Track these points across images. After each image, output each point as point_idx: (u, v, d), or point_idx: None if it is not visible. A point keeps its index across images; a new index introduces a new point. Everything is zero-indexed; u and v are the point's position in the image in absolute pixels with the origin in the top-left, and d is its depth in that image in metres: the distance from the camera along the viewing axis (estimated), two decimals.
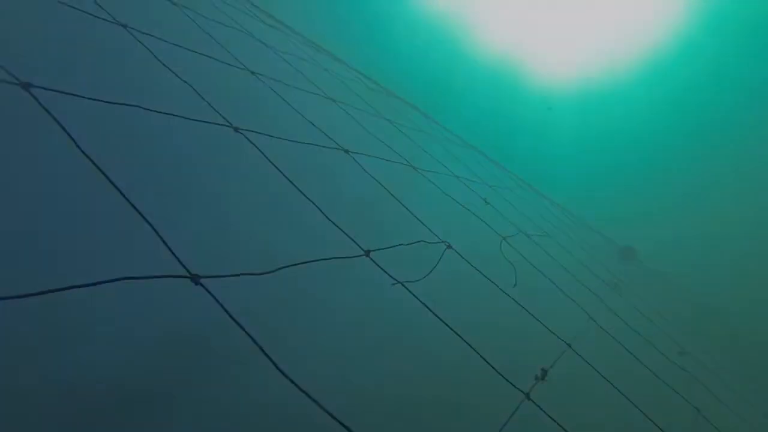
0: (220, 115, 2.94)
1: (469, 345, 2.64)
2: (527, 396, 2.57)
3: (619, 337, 4.63)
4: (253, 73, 4.06)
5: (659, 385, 4.36)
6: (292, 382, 1.69)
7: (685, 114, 13.43)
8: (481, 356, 2.62)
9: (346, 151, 3.87)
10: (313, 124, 3.92)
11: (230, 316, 1.73)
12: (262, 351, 1.70)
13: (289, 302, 2.27)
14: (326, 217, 2.74)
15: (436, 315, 2.69)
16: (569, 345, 3.61)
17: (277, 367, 1.70)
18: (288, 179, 2.80)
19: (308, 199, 2.79)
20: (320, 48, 7.68)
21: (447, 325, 2.67)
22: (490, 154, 9.43)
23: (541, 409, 2.53)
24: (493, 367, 2.60)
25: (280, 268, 2.16)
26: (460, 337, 2.65)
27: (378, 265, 2.67)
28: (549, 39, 13.90)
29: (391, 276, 2.68)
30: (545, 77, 14.39)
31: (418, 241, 3.30)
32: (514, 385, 2.60)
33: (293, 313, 2.29)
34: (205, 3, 5.18)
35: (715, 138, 13.09)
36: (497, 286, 3.58)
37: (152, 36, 3.23)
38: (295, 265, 2.26)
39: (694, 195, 12.22)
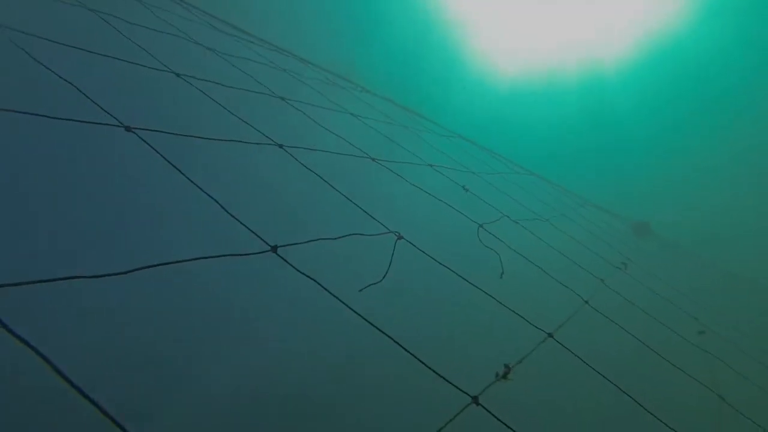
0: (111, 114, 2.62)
1: (404, 348, 2.21)
2: (475, 400, 2.11)
3: (623, 321, 4.09)
4: (178, 75, 3.75)
5: (674, 374, 3.80)
6: None
7: (694, 84, 12.66)
8: (418, 360, 2.18)
9: (280, 146, 3.50)
10: (246, 123, 3.58)
11: None
12: None
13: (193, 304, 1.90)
14: (228, 212, 2.37)
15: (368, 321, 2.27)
16: (550, 335, 3.12)
17: None
18: (185, 176, 2.45)
19: (209, 195, 2.42)
20: (288, 53, 7.39)
21: (381, 331, 2.24)
22: (493, 147, 8.97)
23: (491, 413, 2.06)
24: (433, 371, 2.16)
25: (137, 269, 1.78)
26: (383, 333, 2.22)
27: (287, 262, 2.27)
28: (549, 14, 13.22)
29: (302, 272, 2.27)
30: (547, 55, 13.74)
31: (350, 234, 2.87)
32: (458, 388, 2.15)
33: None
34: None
35: (730, 107, 12.28)
36: (456, 274, 3.12)
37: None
38: (168, 264, 1.88)
39: (710, 167, 11.41)
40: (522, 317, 3.14)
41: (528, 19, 13.53)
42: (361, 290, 2.74)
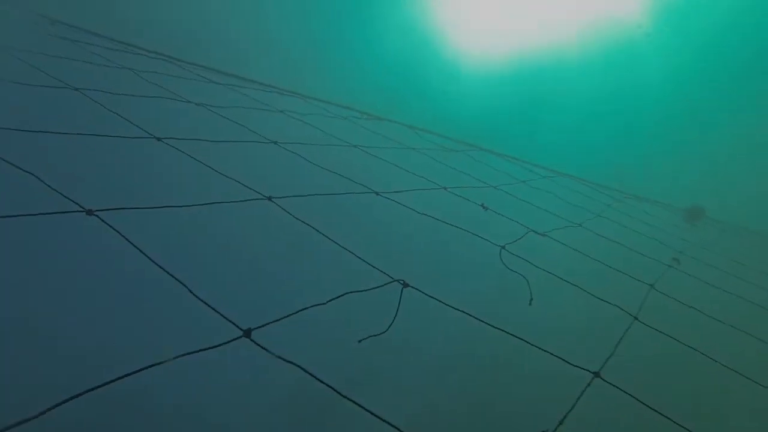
0: None
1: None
2: None
3: (685, 335, 3.54)
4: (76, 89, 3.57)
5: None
6: None
7: (736, 52, 11.53)
8: None
9: (269, 198, 3.23)
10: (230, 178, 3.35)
11: None
12: None
13: None
14: (195, 295, 2.09)
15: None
16: (596, 374, 2.65)
17: None
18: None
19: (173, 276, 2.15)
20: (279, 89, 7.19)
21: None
22: (513, 152, 8.47)
23: None
24: None
25: None
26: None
27: (262, 347, 1.95)
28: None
29: (281, 358, 1.94)
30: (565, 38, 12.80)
31: (341, 296, 2.52)
32: None
33: None
34: None
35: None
36: (476, 319, 2.71)
37: None
38: None
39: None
40: (559, 358, 2.70)
41: None
42: (360, 341, 2.42)
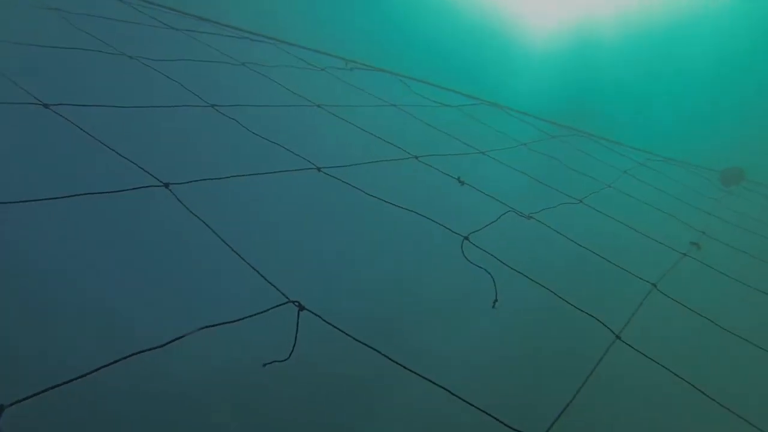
0: None
1: None
2: None
3: (686, 370, 2.85)
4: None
5: None
6: None
7: None
8: None
9: None
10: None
11: None
12: None
13: None
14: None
15: None
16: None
17: None
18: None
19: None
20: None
21: None
22: (513, 104, 7.45)
23: None
24: None
25: None
26: None
27: None
28: None
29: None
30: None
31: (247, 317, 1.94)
32: None
33: None
34: None
35: None
36: (387, 358, 2.10)
37: None
38: None
39: None
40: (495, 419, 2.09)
41: None
42: (265, 365, 2.10)
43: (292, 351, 2.13)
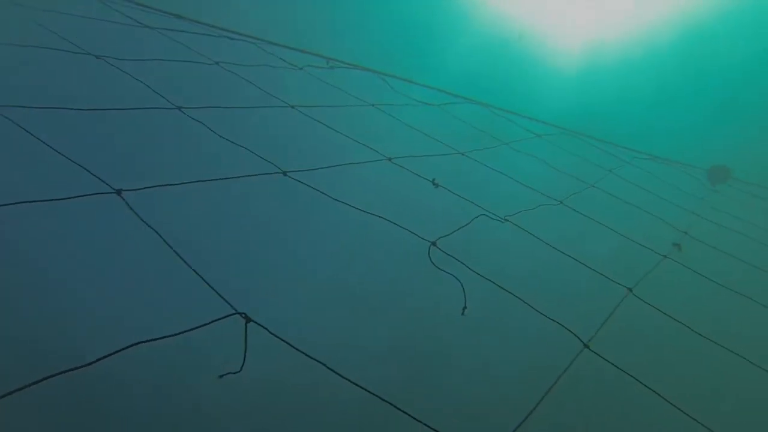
0: None
1: None
2: None
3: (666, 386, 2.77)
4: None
5: None
6: None
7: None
8: None
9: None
10: None
11: None
12: None
13: None
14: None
15: None
16: None
17: None
18: None
19: None
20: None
21: None
22: (499, 102, 7.34)
23: None
24: None
25: None
26: None
27: None
28: None
29: None
30: None
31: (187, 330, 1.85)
32: None
33: None
34: None
35: None
36: (338, 375, 2.01)
37: None
38: None
39: None
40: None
41: None
42: (221, 377, 2.00)
43: (243, 363, 2.04)
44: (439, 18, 8.55)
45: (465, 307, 2.89)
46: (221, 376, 2.02)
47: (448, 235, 3.25)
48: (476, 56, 8.13)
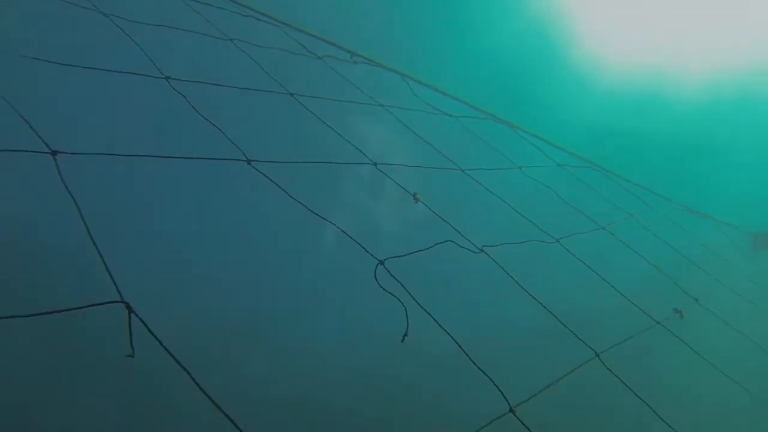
0: None
1: None
2: None
3: None
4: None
5: None
6: None
7: None
8: None
9: None
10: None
11: None
12: None
13: None
14: None
15: None
16: None
17: None
18: None
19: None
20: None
21: None
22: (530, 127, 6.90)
23: None
24: None
25: None
26: None
27: None
28: None
29: None
30: None
31: None
32: None
33: None
34: None
35: None
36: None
37: None
38: None
39: None
40: None
41: None
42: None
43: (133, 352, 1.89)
44: (483, 30, 8.18)
45: (406, 335, 2.67)
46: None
47: (401, 256, 2.99)
48: (516, 76, 7.72)
